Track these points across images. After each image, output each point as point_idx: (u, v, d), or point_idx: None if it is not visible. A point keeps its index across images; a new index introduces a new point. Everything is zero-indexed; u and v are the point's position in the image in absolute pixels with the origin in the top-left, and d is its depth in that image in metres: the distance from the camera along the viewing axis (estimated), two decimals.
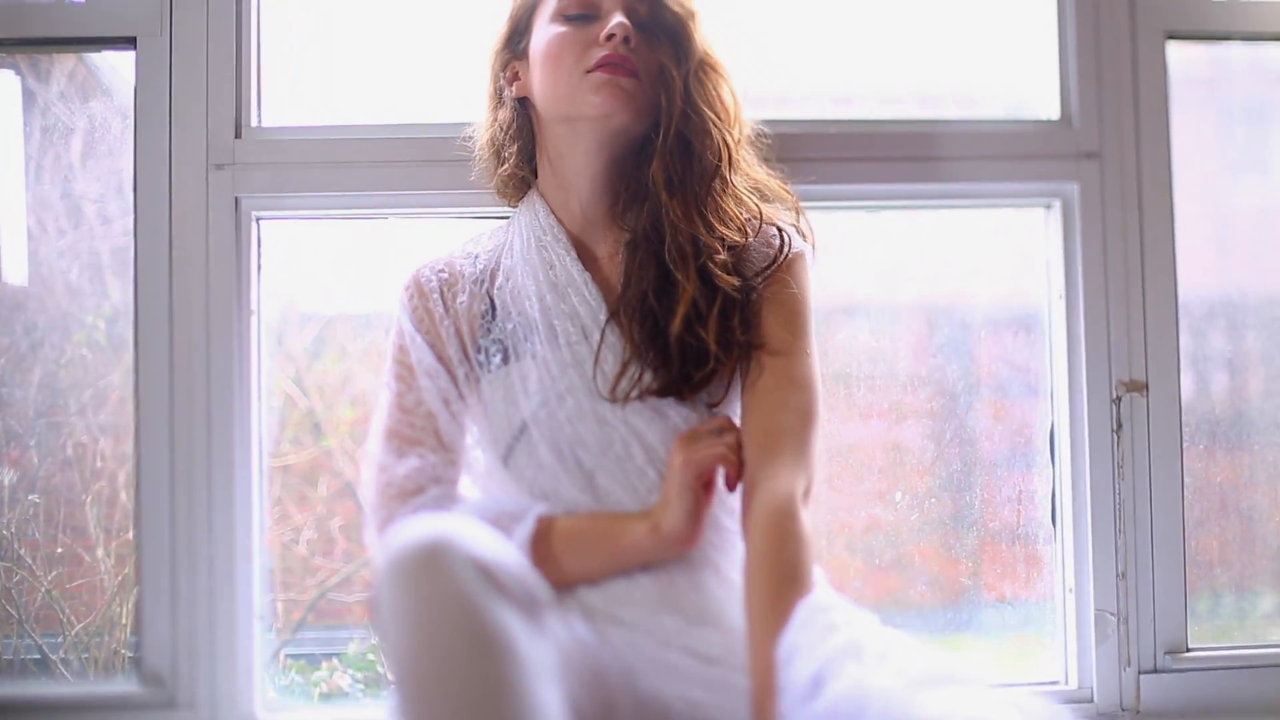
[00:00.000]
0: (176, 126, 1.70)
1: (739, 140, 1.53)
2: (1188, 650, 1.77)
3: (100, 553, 1.75)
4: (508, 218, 1.61)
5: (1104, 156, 1.79)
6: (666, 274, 1.47)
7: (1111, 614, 1.76)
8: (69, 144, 1.79)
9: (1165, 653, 1.76)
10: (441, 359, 1.49)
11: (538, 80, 1.51)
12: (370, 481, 1.46)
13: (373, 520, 1.45)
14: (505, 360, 1.48)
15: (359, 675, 1.88)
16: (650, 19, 1.50)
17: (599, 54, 1.46)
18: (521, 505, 1.43)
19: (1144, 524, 1.77)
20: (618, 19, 1.47)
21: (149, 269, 1.69)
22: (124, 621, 1.74)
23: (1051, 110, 1.83)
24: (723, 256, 1.46)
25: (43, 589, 1.75)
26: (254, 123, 1.73)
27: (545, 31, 1.51)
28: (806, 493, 1.40)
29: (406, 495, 1.43)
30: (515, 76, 1.56)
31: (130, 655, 1.73)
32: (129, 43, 1.72)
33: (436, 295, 1.52)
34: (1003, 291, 1.88)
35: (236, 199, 1.71)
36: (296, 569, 1.82)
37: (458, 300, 1.51)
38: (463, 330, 1.50)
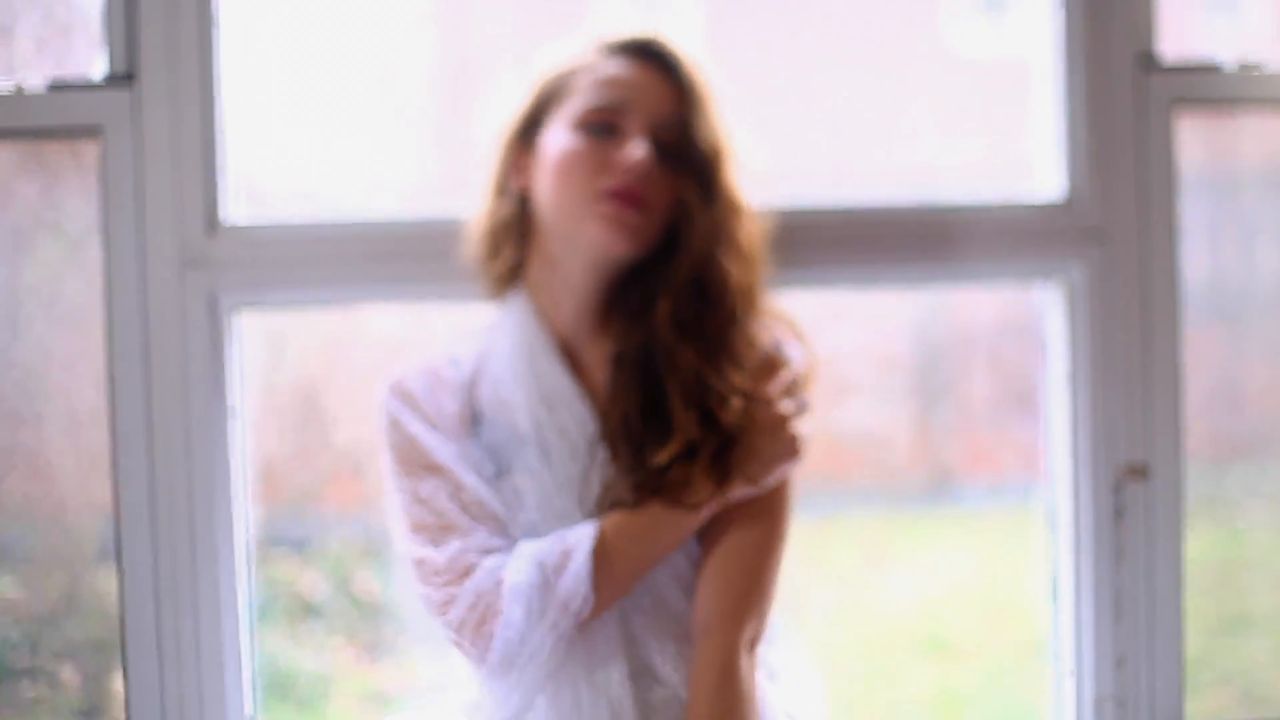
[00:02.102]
0: (147, 224, 1.63)
1: (755, 282, 1.46)
2: None
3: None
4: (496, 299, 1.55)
5: (1110, 236, 1.74)
6: (654, 398, 1.42)
7: (1110, 699, 1.75)
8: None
9: None
10: (449, 435, 1.44)
11: (543, 186, 1.43)
12: (417, 577, 1.40)
13: (431, 605, 1.39)
14: (497, 474, 1.44)
15: (331, 576, 1.85)
16: (676, 147, 1.41)
17: (612, 181, 1.38)
18: (566, 538, 1.38)
19: (1144, 609, 1.75)
20: (640, 151, 1.38)
21: (125, 371, 1.64)
22: None
23: (1056, 190, 1.76)
24: (736, 404, 1.41)
25: None
26: (228, 219, 1.66)
27: (561, 137, 1.42)
28: (755, 639, 1.40)
29: (460, 577, 1.37)
30: (520, 167, 1.48)
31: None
32: (93, 134, 1.64)
33: (425, 397, 1.46)
34: (1004, 372, 1.84)
35: (212, 298, 1.64)
36: (267, 472, 1.77)
37: (445, 407, 1.46)
38: (455, 434, 1.45)
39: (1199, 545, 1.77)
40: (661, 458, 1.38)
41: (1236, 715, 1.84)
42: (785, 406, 1.43)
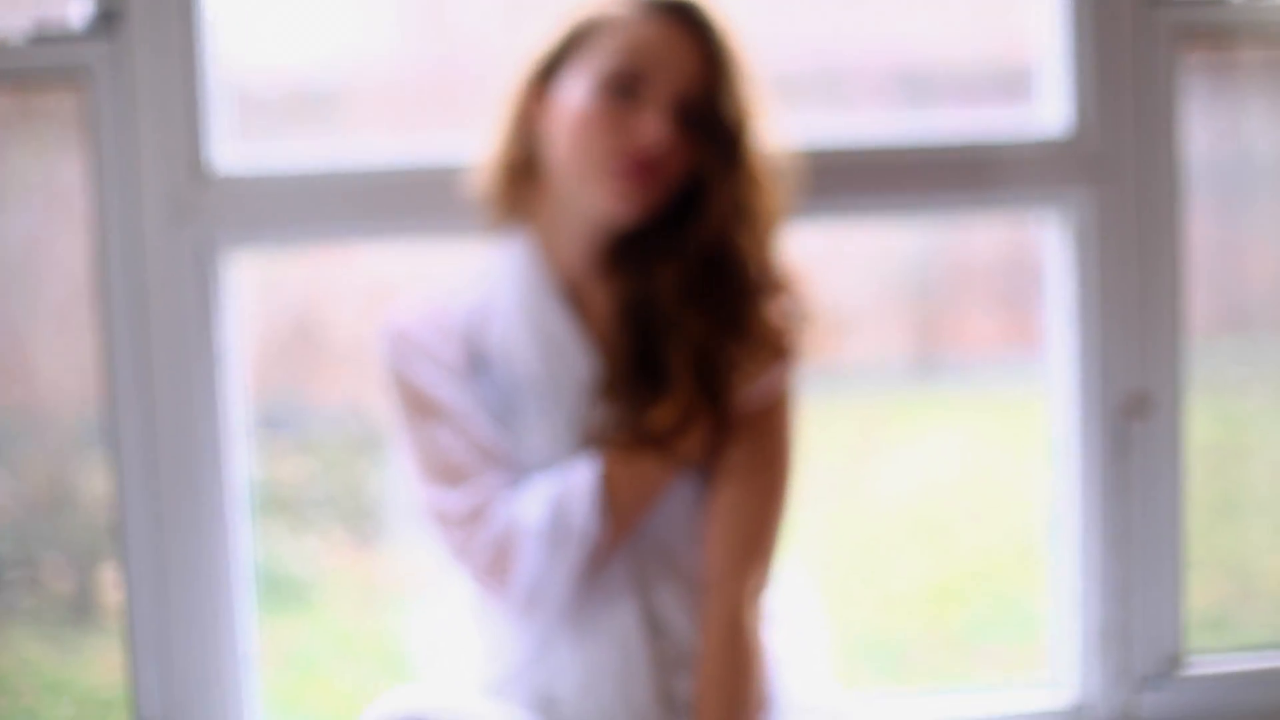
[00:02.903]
0: (133, 174, 1.61)
1: (771, 251, 1.43)
2: (1186, 663, 1.77)
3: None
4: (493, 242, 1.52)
5: (1112, 168, 1.70)
6: (647, 351, 1.41)
7: (1111, 626, 1.75)
8: None
9: (1164, 665, 1.76)
10: (453, 378, 1.43)
11: (556, 135, 1.40)
12: (430, 522, 1.42)
13: (448, 547, 1.40)
14: (502, 414, 1.43)
15: (324, 459, 1.83)
16: (700, 115, 1.37)
17: (628, 148, 1.34)
18: (572, 474, 1.39)
19: (1144, 538, 1.74)
20: (658, 129, 1.34)
21: (117, 328, 1.64)
22: None
23: (1059, 122, 1.72)
24: (742, 374, 1.40)
25: None
26: (216, 168, 1.63)
27: (580, 92, 1.37)
28: (759, 589, 1.41)
29: (475, 520, 1.38)
30: (535, 108, 1.43)
31: None
32: (77, 83, 1.62)
33: (426, 341, 1.44)
34: (1005, 304, 1.82)
35: (202, 250, 1.63)
36: (266, 354, 1.76)
37: (447, 349, 1.44)
38: (459, 376, 1.44)
39: (1199, 431, 1.75)
40: (658, 422, 1.38)
41: (1235, 606, 1.86)
42: (779, 310, 1.42)
